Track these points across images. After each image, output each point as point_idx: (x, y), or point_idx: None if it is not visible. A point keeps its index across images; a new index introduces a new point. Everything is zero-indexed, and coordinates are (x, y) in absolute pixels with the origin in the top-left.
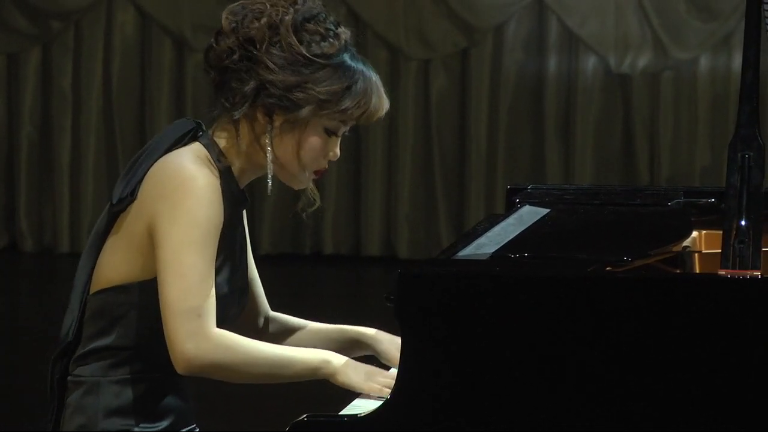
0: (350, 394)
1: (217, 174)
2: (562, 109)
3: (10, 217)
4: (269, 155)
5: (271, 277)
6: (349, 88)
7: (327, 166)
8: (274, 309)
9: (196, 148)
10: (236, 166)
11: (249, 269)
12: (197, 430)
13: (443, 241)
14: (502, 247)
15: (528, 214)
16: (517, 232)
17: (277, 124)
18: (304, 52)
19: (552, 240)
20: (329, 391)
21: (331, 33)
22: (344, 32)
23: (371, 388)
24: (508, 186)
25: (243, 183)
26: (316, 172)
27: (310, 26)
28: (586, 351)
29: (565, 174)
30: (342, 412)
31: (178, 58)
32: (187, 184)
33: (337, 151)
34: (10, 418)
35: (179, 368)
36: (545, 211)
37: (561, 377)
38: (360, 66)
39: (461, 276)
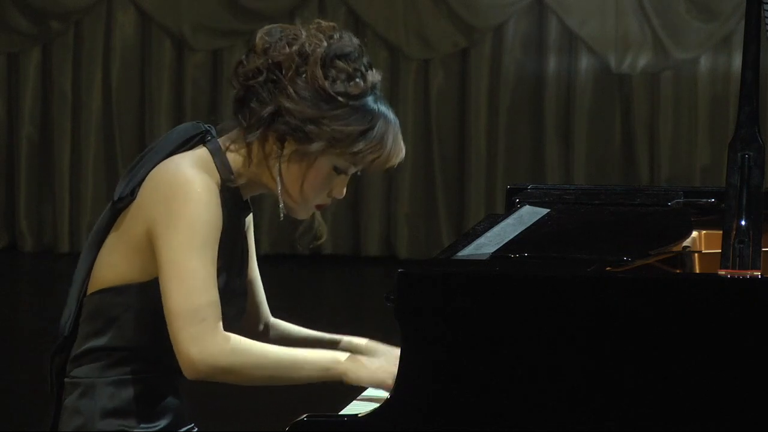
0: (350, 394)
1: (217, 179)
2: (561, 109)
3: (10, 217)
4: (278, 181)
5: (270, 277)
6: (364, 132)
7: (329, 203)
8: (274, 309)
9: (200, 153)
10: (241, 180)
11: (252, 275)
12: (195, 430)
13: (443, 241)
14: (502, 247)
15: (528, 214)
16: (517, 232)
17: (287, 151)
18: (327, 87)
19: (552, 240)
20: (329, 391)
21: (359, 74)
22: (373, 75)
23: (383, 381)
24: (508, 186)
25: (246, 194)
26: (317, 206)
27: (340, 63)
28: (586, 351)
29: (564, 174)
30: (342, 412)
31: (178, 58)
32: (184, 189)
33: (343, 191)
34: (10, 418)
35: (187, 373)
36: (545, 211)
37: (561, 377)
38: (382, 112)
39: (461, 276)
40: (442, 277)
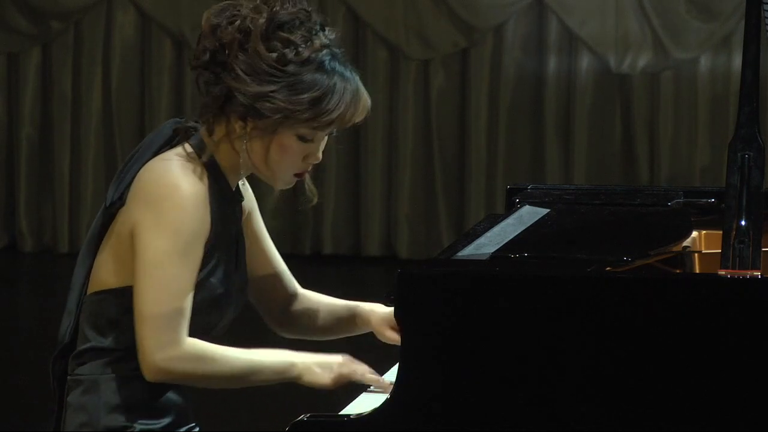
0: (350, 395)
1: (205, 177)
2: (562, 109)
3: (10, 217)
4: (242, 158)
5: None
6: (317, 99)
7: (308, 168)
8: None
9: (184, 150)
10: (222, 165)
11: (267, 251)
12: (197, 429)
13: (443, 241)
14: (502, 247)
15: (528, 214)
16: (517, 232)
17: (248, 129)
18: (271, 62)
19: (552, 240)
20: (329, 392)
21: (304, 40)
22: (324, 37)
23: (339, 381)
24: (508, 186)
25: (234, 181)
26: (297, 174)
27: (282, 34)
28: (586, 351)
29: (564, 174)
30: (342, 412)
31: (178, 58)
32: (170, 194)
33: (319, 155)
34: (10, 418)
35: (147, 376)
36: (545, 211)
37: (561, 377)
38: (333, 73)
39: (461, 276)
40: (442, 277)
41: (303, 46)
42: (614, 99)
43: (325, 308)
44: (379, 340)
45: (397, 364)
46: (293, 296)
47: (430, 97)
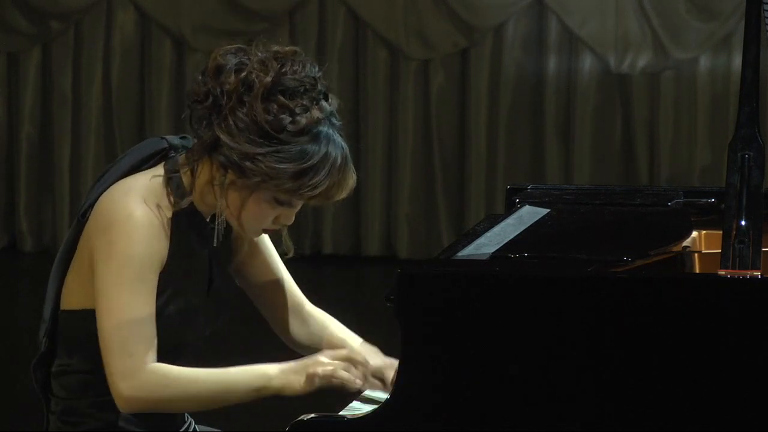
0: (350, 394)
1: (167, 205)
2: (562, 109)
3: (10, 217)
4: (218, 204)
5: None
6: (301, 171)
7: (278, 228)
8: None
9: (156, 178)
10: (196, 199)
11: (272, 265)
12: (193, 427)
13: (443, 241)
14: (502, 247)
15: (528, 214)
16: (517, 232)
17: (227, 180)
18: (265, 124)
19: (552, 240)
20: (329, 391)
21: (302, 110)
22: (321, 110)
23: (313, 382)
24: (508, 186)
25: (207, 213)
26: (265, 231)
27: (281, 99)
28: (586, 351)
29: (565, 174)
30: (342, 412)
31: (178, 58)
32: (123, 223)
33: (291, 218)
34: (10, 418)
35: (119, 406)
36: (545, 211)
37: (561, 377)
38: (323, 149)
39: (461, 276)
40: (442, 277)
41: (301, 115)
42: (614, 99)
43: (325, 336)
44: (378, 338)
45: (397, 364)
46: (299, 309)
47: (430, 97)
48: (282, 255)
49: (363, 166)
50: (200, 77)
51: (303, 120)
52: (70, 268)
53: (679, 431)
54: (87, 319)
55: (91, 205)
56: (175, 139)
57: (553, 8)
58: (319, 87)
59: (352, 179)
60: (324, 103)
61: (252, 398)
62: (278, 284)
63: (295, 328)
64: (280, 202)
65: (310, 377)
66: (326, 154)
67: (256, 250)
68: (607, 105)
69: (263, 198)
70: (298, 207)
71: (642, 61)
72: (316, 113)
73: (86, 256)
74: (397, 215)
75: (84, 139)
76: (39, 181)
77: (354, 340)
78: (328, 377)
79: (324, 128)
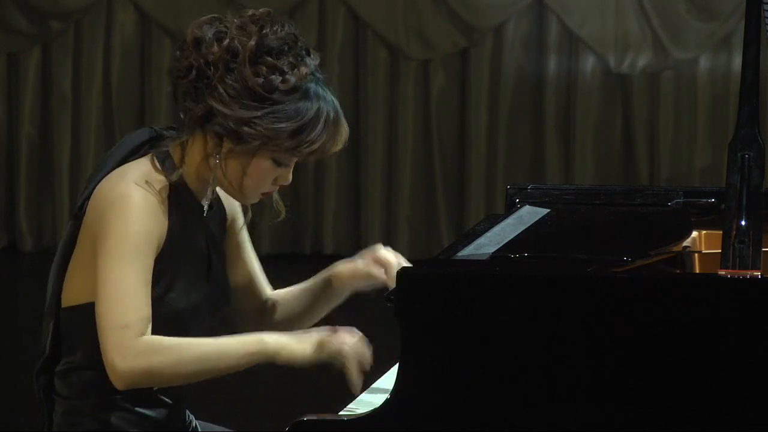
0: (350, 394)
1: (164, 190)
2: (562, 109)
3: (10, 217)
4: (213, 176)
5: (271, 277)
6: (298, 128)
7: (275, 189)
8: None
9: (146, 161)
10: (191, 179)
11: (247, 263)
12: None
13: (443, 241)
14: (502, 247)
15: (528, 214)
16: (517, 232)
17: (224, 149)
18: (257, 87)
19: (552, 240)
20: (329, 391)
21: (290, 67)
22: (308, 64)
23: (322, 350)
24: (508, 186)
25: (203, 194)
26: (263, 194)
27: (269, 59)
28: (586, 351)
29: (565, 174)
30: (342, 412)
31: None
32: (119, 203)
33: (289, 177)
34: (10, 418)
35: (115, 383)
36: (545, 211)
37: (561, 377)
38: (315, 103)
39: (461, 276)
40: (442, 277)
41: (290, 73)
42: (614, 99)
43: (297, 294)
44: (377, 338)
45: (397, 364)
46: (265, 302)
47: (430, 97)
48: (273, 218)
49: (363, 166)
50: (178, 53)
51: (292, 78)
52: (71, 264)
53: (679, 431)
54: (90, 312)
55: (87, 198)
56: (162, 130)
57: (553, 8)
58: (300, 43)
59: (345, 131)
60: (308, 59)
61: (247, 363)
62: (252, 279)
63: (269, 314)
64: (278, 163)
65: (320, 344)
66: (319, 109)
67: (239, 245)
68: (607, 105)
69: (262, 161)
70: (293, 166)
71: (642, 61)
72: (303, 69)
73: (87, 247)
74: (397, 215)
75: (84, 139)
76: (39, 181)
77: (340, 263)
78: (338, 354)
79: (312, 84)
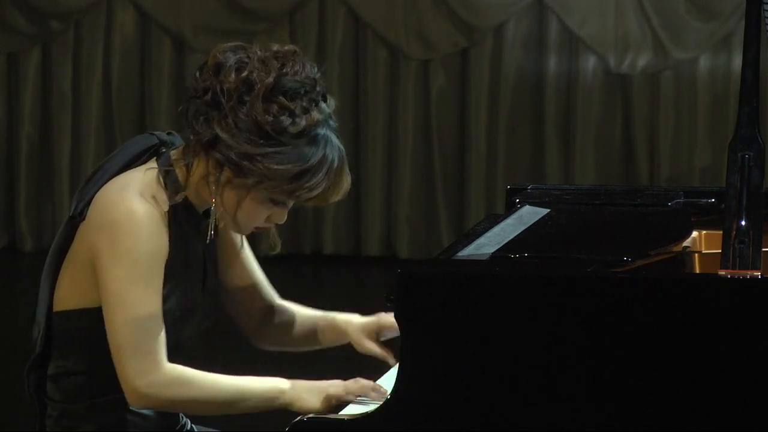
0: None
1: (163, 199)
2: (562, 109)
3: (10, 217)
4: (214, 202)
5: (271, 277)
6: (299, 173)
7: (269, 227)
8: None
9: (150, 173)
10: (190, 193)
11: (247, 264)
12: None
13: (443, 241)
14: (502, 247)
15: (528, 214)
16: (517, 232)
17: (223, 178)
18: (266, 125)
19: (552, 240)
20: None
21: (302, 112)
22: (321, 111)
23: (329, 402)
24: (508, 186)
25: (201, 207)
26: (257, 228)
27: (282, 99)
28: (586, 351)
29: (565, 174)
30: (342, 412)
31: (178, 58)
32: (126, 221)
33: (284, 217)
34: (10, 418)
35: (131, 403)
36: (545, 211)
37: (561, 377)
38: (321, 151)
39: (461, 276)
40: (442, 278)
41: (300, 116)
42: (614, 99)
43: (302, 319)
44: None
45: (397, 364)
46: (270, 308)
47: (430, 97)
48: (269, 250)
49: (363, 166)
50: (198, 74)
51: (303, 122)
52: (63, 268)
53: (679, 431)
54: (82, 319)
55: (87, 204)
56: (163, 135)
57: (553, 8)
58: (318, 88)
59: (347, 181)
60: (323, 105)
61: (261, 409)
62: (254, 282)
63: (270, 324)
64: (275, 202)
65: (328, 398)
66: (324, 157)
67: (236, 246)
68: (607, 105)
69: (259, 197)
70: (290, 206)
71: (642, 61)
72: (315, 115)
73: (84, 254)
74: (397, 215)
75: (84, 139)
76: (39, 181)
77: (350, 317)
78: (348, 397)
79: (322, 130)
